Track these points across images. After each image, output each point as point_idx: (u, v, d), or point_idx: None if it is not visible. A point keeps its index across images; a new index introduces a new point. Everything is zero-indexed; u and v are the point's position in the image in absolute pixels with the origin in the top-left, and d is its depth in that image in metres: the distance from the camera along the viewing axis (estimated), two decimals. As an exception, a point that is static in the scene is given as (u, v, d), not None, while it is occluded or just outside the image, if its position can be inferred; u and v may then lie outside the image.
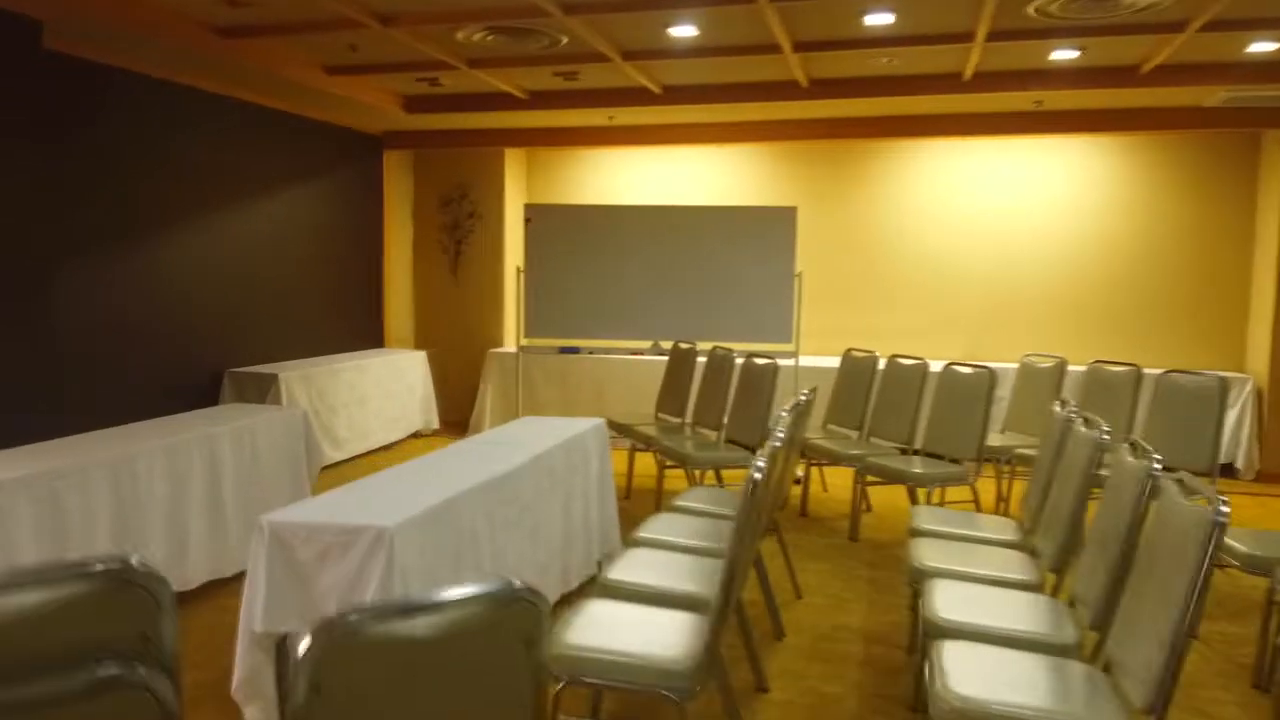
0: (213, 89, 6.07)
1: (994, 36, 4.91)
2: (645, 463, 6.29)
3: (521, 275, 6.98)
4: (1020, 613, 2.70)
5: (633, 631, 2.45)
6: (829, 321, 7.57)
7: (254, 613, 2.52)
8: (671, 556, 3.18)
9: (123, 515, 3.54)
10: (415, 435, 7.54)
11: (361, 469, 6.44)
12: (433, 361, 7.78)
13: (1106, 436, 2.88)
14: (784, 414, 3.21)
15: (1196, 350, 7.03)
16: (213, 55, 5.25)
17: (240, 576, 3.55)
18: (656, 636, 2.43)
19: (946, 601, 2.75)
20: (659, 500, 5.39)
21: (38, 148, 4.65)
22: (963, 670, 2.28)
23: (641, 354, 6.96)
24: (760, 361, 5.23)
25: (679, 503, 3.86)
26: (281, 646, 2.58)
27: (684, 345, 6.13)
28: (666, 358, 6.27)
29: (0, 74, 4.36)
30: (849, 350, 5.91)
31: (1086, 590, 2.64)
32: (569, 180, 8.30)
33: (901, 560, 4.67)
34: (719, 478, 5.29)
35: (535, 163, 8.38)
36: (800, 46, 5.19)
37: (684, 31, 4.98)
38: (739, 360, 5.50)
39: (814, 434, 5.54)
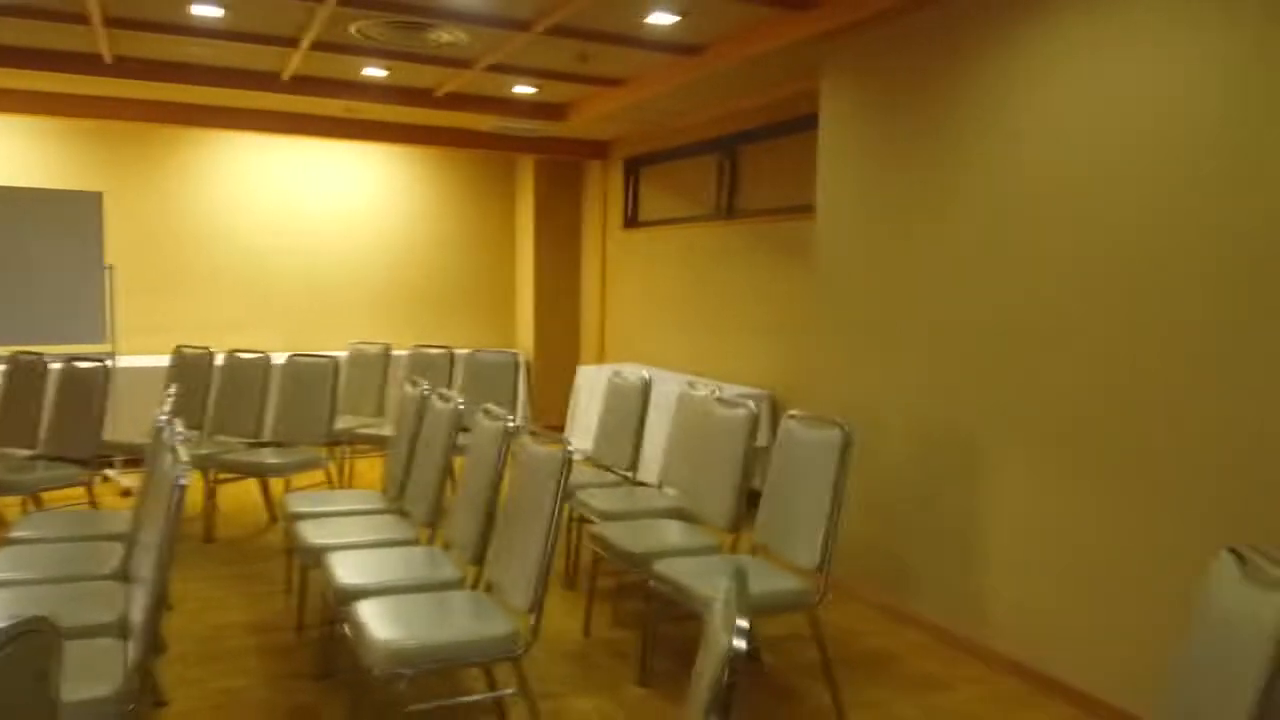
0: None
1: (317, 46, 5.23)
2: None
3: None
4: (409, 565, 3.17)
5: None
6: (150, 318, 7.01)
7: None
8: (34, 591, 2.83)
9: None
10: None
11: None
12: None
13: (463, 406, 3.51)
14: (164, 418, 3.10)
15: (482, 332, 8.46)
16: None
17: None
18: (70, 674, 2.23)
19: (346, 570, 3.07)
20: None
21: None
22: (379, 621, 2.63)
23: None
24: (85, 365, 4.71)
25: (17, 534, 3.37)
26: None
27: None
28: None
29: None
30: (180, 347, 5.65)
31: (462, 534, 3.22)
32: None
33: (264, 550, 4.79)
34: (37, 502, 4.62)
35: None
36: (114, 23, 4.77)
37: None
38: (55, 365, 4.84)
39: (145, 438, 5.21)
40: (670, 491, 4.15)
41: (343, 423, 5.88)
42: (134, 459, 5.00)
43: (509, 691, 3.11)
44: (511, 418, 3.08)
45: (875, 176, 4.25)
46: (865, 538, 4.27)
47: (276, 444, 5.19)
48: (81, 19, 4.71)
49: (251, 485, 5.55)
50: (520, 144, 7.68)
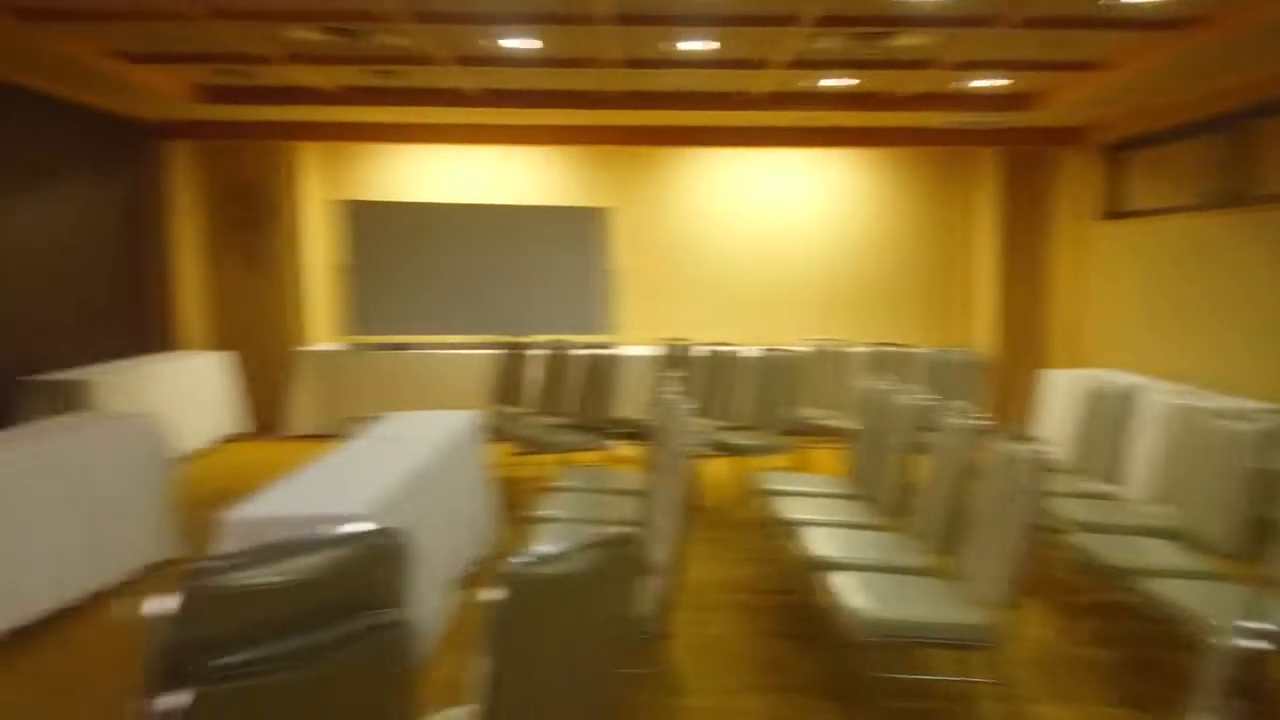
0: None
1: (785, 65, 5.66)
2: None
3: (338, 272, 6.93)
4: (876, 546, 3.36)
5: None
6: (643, 313, 8.09)
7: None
8: (574, 528, 3.55)
9: (17, 532, 3.47)
10: (226, 439, 7.18)
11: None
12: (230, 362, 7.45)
13: (933, 404, 3.61)
14: (673, 396, 3.66)
15: (934, 330, 8.36)
16: (10, 40, 4.82)
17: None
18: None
19: (819, 544, 3.36)
20: (515, 485, 5.65)
21: None
22: (857, 592, 2.86)
23: (469, 349, 7.15)
24: (603, 352, 5.68)
25: (560, 483, 4.20)
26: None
27: (518, 339, 6.42)
28: (493, 351, 6.50)
29: None
30: (666, 338, 6.50)
31: (928, 525, 3.34)
32: (375, 176, 8.22)
33: (733, 521, 5.31)
34: (565, 460, 5.66)
35: (335, 157, 8.20)
36: (627, 64, 5.66)
37: (527, 44, 5.27)
38: (580, 352, 5.91)
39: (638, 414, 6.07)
40: (1159, 508, 3.81)
41: (803, 413, 6.27)
42: (629, 433, 5.87)
43: (977, 680, 3.15)
44: (982, 417, 3.11)
45: None
46: None
47: (745, 428, 5.73)
48: (593, 63, 5.66)
49: (721, 463, 6.17)
50: (977, 137, 7.48)
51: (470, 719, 1.50)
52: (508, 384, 6.28)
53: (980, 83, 6.22)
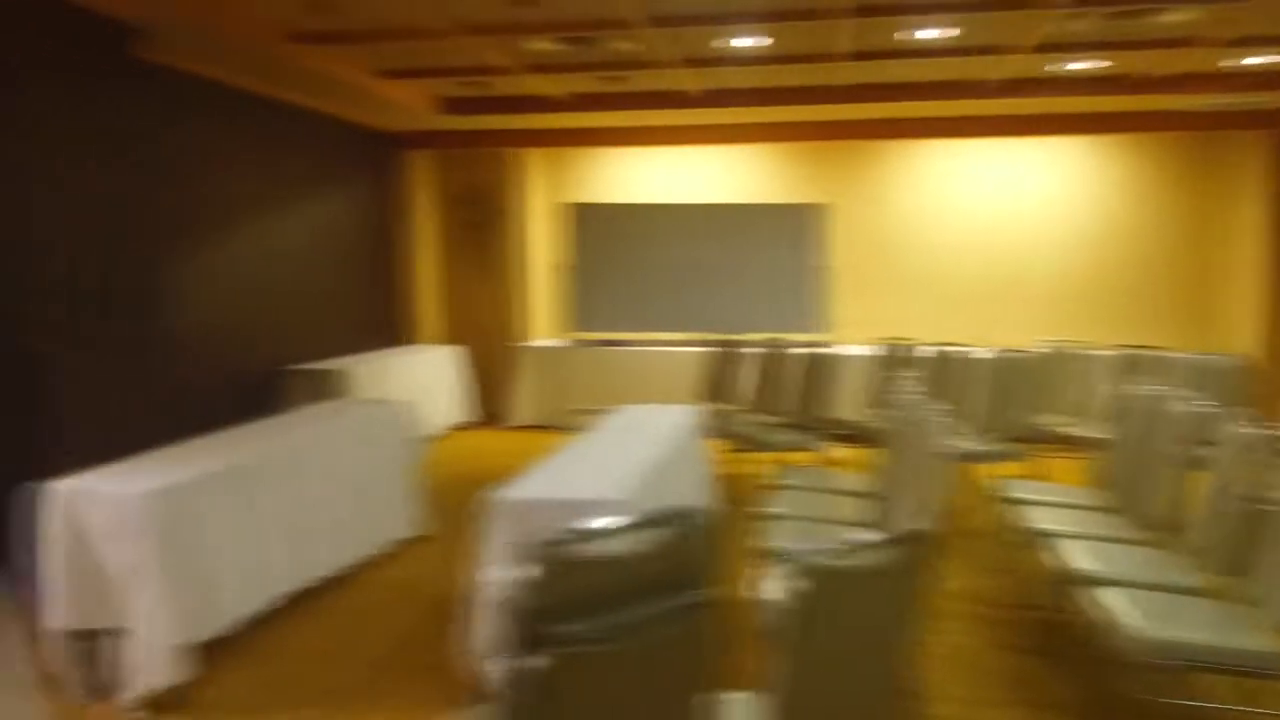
0: (257, 91, 6.12)
1: (1036, 48, 5.34)
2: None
3: (560, 271, 7.25)
4: (1143, 563, 3.11)
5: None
6: (855, 311, 7.93)
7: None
8: (802, 525, 3.54)
9: (298, 505, 3.84)
10: (456, 428, 7.69)
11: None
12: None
13: (1212, 411, 3.30)
14: (912, 397, 3.56)
15: (1181, 331, 7.60)
16: (284, 61, 5.37)
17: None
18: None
19: (1079, 557, 3.14)
20: (730, 481, 5.68)
21: (111, 154, 4.70)
22: (1131, 612, 2.65)
23: (682, 346, 7.27)
24: (819, 351, 5.60)
25: (786, 481, 4.18)
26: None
27: (731, 337, 6.45)
28: (705, 349, 6.55)
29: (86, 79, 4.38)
30: (885, 338, 6.32)
31: (1206, 543, 3.05)
32: (596, 178, 8.53)
33: (962, 528, 5.08)
34: (782, 460, 5.62)
35: (559, 161, 8.58)
36: (857, 56, 5.55)
37: (757, 41, 5.29)
38: (795, 351, 5.86)
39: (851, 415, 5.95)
40: None
41: (1039, 419, 5.88)
42: (846, 434, 5.75)
43: (1262, 711, 2.86)
44: (1273, 427, 2.81)
45: None
46: None
47: (974, 433, 5.46)
48: (822, 57, 5.57)
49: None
50: (1241, 120, 6.76)
51: (757, 704, 1.52)
52: (721, 382, 6.32)
53: (1251, 60, 5.62)
